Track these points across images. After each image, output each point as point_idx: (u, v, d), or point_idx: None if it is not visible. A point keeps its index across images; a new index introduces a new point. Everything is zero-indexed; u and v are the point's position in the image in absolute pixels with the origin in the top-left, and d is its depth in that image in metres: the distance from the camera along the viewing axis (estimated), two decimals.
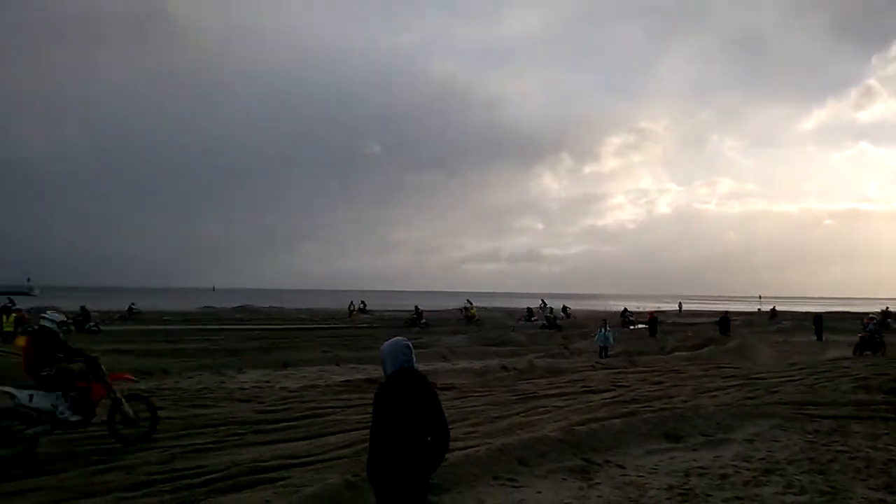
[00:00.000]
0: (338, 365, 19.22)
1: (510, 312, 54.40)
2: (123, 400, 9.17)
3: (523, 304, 56.00)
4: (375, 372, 16.14)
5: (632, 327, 39.83)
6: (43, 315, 9.30)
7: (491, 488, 7.01)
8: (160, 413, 9.74)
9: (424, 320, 39.27)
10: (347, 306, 52.28)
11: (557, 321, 38.74)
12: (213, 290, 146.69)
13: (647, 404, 11.77)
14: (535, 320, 45.16)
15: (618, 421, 9.85)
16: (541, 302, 54.76)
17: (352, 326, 39.42)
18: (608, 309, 64.50)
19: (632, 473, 7.80)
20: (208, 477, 7.33)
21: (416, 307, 42.43)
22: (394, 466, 4.00)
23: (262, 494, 6.64)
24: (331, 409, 11.56)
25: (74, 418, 8.66)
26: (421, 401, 4.11)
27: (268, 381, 15.51)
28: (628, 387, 14.19)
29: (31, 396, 8.37)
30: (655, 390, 13.74)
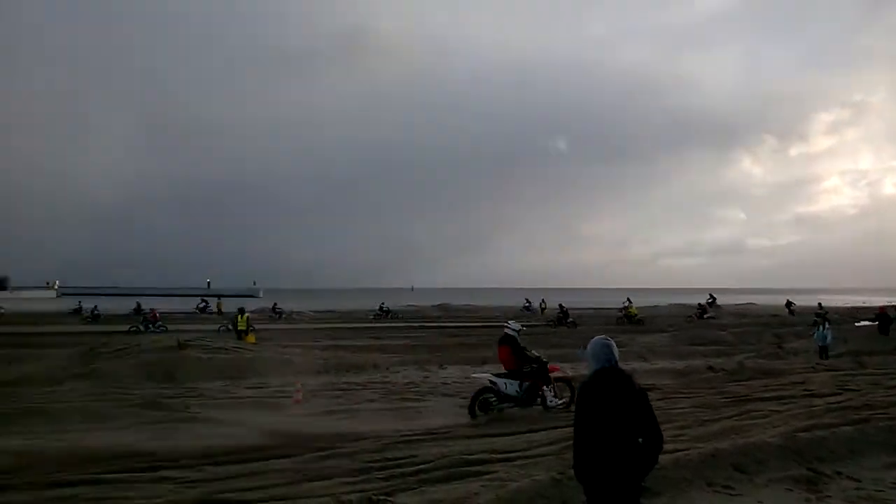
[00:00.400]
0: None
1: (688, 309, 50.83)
2: (554, 382, 11.84)
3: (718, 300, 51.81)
4: (571, 370, 15.99)
5: (857, 324, 35.51)
6: (506, 325, 12.26)
7: (705, 494, 6.66)
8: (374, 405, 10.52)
9: (571, 319, 37.88)
10: (539, 304, 52.32)
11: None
12: (412, 289, 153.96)
13: (882, 411, 10.47)
14: (708, 317, 41.59)
15: (848, 428, 8.86)
16: (709, 296, 50.57)
17: (545, 324, 39.39)
18: (828, 304, 58.25)
19: (868, 487, 7.00)
20: (419, 467, 7.72)
21: (560, 305, 41.21)
22: (605, 467, 3.95)
23: (471, 486, 6.87)
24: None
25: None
26: (627, 400, 4.02)
27: (468, 377, 15.98)
28: (858, 391, 12.73)
29: (505, 384, 11.37)
30: (892, 395, 12.20)
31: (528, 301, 53.22)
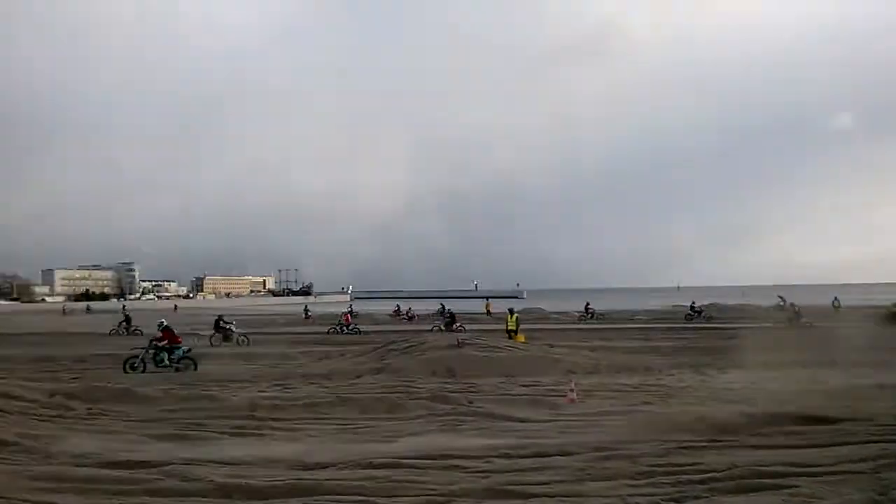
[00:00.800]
0: (833, 368, 17.21)
1: None
2: None
3: None
4: (882, 377, 13.98)
5: None
6: None
7: None
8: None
9: (805, 319, 32.06)
10: (831, 302, 46.44)
11: None
12: (678, 288, 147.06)
13: None
14: None
15: None
16: None
17: (845, 325, 34.65)
18: None
19: None
20: (707, 475, 7.31)
21: (791, 304, 35.09)
22: None
23: (770, 500, 6.36)
24: (835, 417, 10.41)
25: None
26: None
27: (754, 382, 14.75)
28: None
29: None
30: None
31: (782, 299, 47.51)
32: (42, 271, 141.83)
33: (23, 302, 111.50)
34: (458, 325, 34.45)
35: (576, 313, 50.01)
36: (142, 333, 35.67)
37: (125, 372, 18.27)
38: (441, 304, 49.23)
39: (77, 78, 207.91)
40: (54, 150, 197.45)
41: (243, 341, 28.09)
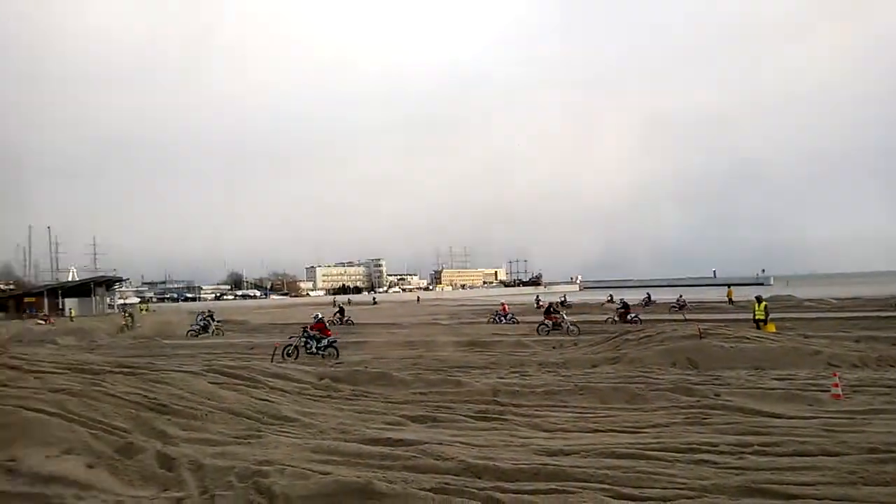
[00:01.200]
0: None
1: None
2: None
3: None
4: None
5: None
6: None
7: None
8: None
9: None
10: None
11: None
12: None
13: None
14: None
15: None
16: None
17: None
18: None
19: None
20: None
21: None
22: None
23: None
24: None
25: None
26: None
27: None
28: None
29: None
30: None
31: None
32: (306, 269, 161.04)
33: (291, 296, 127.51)
34: (632, 315, 32.68)
35: (833, 300, 44.81)
36: (353, 323, 38.70)
37: (282, 358, 20.30)
38: (647, 294, 48.84)
39: (332, 97, 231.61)
40: (315, 167, 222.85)
41: (573, 330, 27.65)
